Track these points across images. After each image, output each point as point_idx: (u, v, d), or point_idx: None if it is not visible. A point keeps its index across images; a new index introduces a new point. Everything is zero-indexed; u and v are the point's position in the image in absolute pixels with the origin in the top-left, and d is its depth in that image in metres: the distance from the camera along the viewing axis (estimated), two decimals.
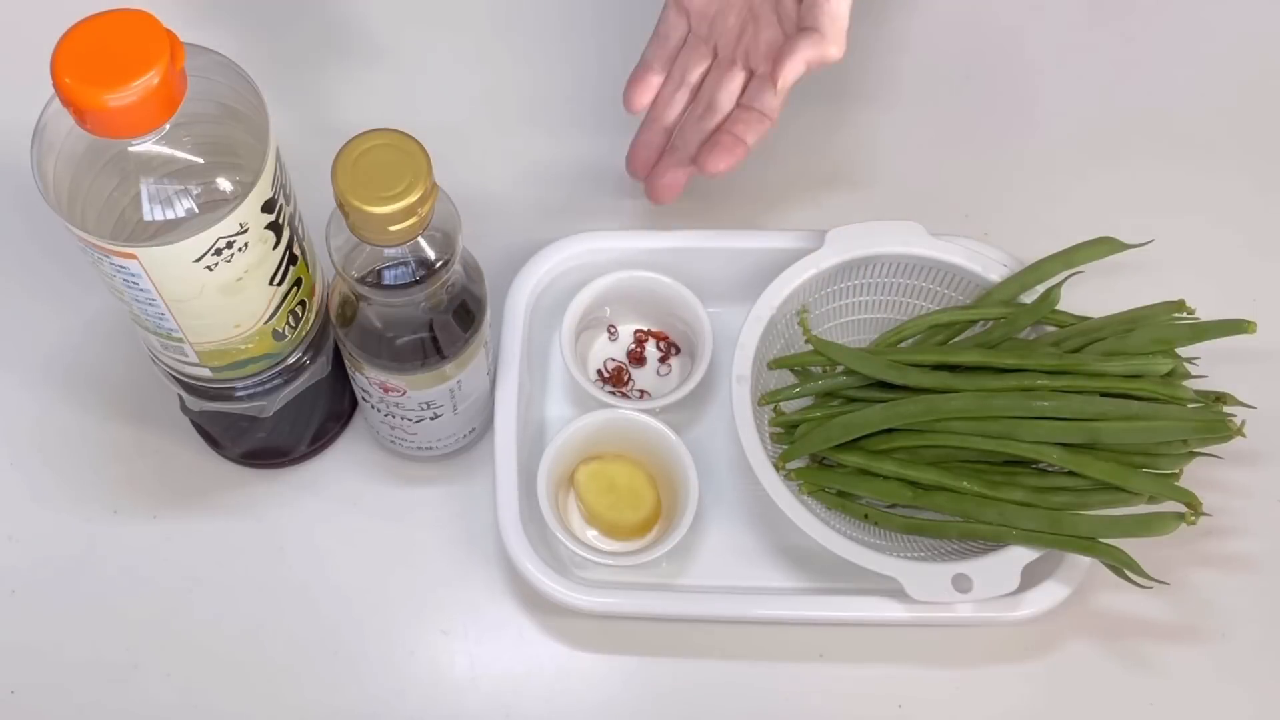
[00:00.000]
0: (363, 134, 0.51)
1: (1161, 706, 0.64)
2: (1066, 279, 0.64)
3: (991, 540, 0.61)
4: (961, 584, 0.59)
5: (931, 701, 0.64)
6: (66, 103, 0.44)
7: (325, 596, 0.65)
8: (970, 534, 0.61)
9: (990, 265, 0.66)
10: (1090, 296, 0.65)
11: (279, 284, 0.55)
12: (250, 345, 0.57)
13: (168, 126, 0.46)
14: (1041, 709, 0.64)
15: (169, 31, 0.45)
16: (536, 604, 0.65)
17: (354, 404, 0.69)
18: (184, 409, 0.64)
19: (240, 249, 0.50)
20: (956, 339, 0.66)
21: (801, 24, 0.62)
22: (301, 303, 0.58)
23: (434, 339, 0.58)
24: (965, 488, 0.61)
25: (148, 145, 0.47)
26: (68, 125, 0.46)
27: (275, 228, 0.52)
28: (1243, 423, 0.59)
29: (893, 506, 0.64)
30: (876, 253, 0.66)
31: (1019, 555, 0.60)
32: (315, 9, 0.81)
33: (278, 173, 0.51)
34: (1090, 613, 0.64)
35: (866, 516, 0.64)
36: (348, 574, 0.66)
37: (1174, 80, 0.80)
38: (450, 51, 0.80)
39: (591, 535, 0.66)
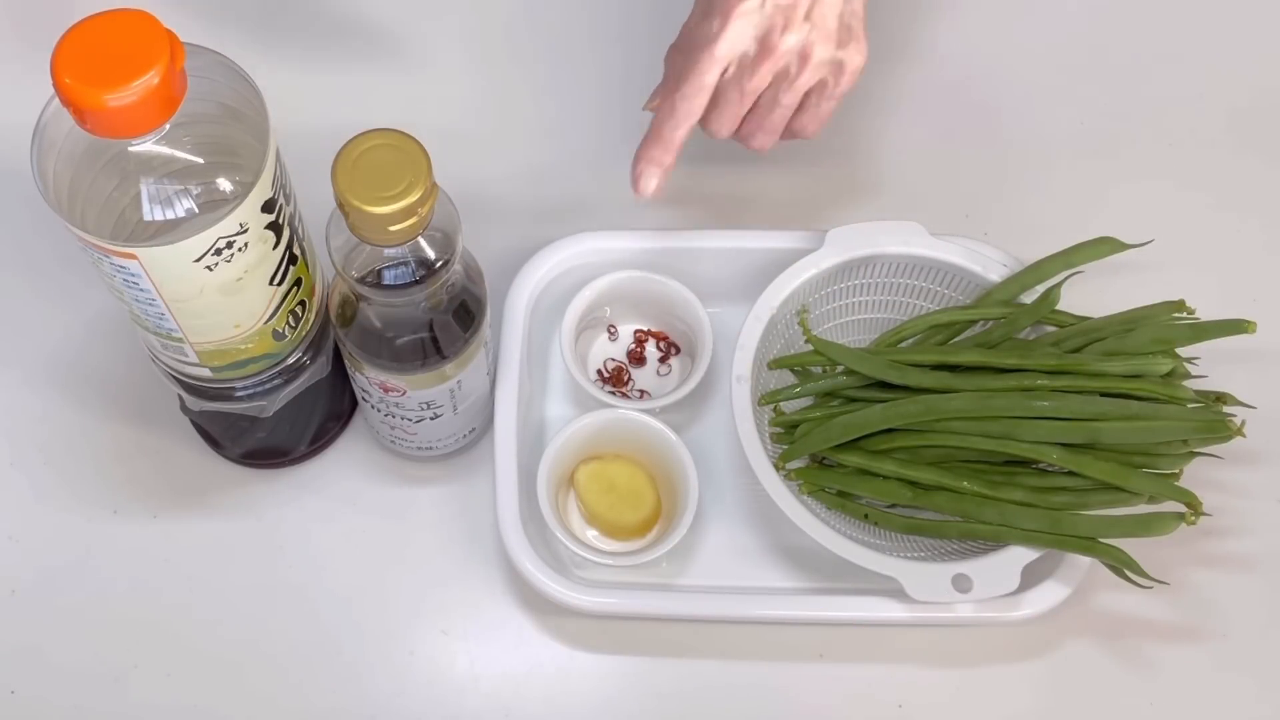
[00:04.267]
0: (363, 134, 0.51)
1: (1161, 706, 0.64)
2: (1066, 279, 0.64)
3: (991, 540, 0.61)
4: (961, 584, 0.59)
5: (931, 702, 0.64)
6: (66, 103, 0.44)
7: (325, 596, 0.65)
8: (970, 534, 0.61)
9: (990, 265, 0.66)
10: (1090, 296, 0.65)
11: (279, 284, 0.55)
12: (250, 345, 0.57)
13: (168, 126, 0.46)
14: (1041, 709, 0.64)
15: (169, 31, 0.45)
16: (536, 604, 0.65)
17: (354, 404, 0.69)
18: (184, 409, 0.64)
19: (240, 249, 0.50)
20: (956, 339, 0.66)
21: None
22: (301, 303, 0.58)
23: (434, 339, 0.58)
24: (965, 488, 0.61)
25: (148, 145, 0.47)
26: (68, 125, 0.46)
27: (275, 228, 0.52)
28: (1243, 423, 0.59)
29: (893, 506, 0.64)
30: (876, 253, 0.66)
31: (1019, 555, 0.60)
32: (316, 9, 0.81)
33: (278, 173, 0.51)
34: (1090, 613, 0.64)
35: (866, 516, 0.64)
36: (348, 574, 0.66)
37: (1174, 80, 0.80)
38: (450, 51, 0.80)
39: (591, 535, 0.66)
